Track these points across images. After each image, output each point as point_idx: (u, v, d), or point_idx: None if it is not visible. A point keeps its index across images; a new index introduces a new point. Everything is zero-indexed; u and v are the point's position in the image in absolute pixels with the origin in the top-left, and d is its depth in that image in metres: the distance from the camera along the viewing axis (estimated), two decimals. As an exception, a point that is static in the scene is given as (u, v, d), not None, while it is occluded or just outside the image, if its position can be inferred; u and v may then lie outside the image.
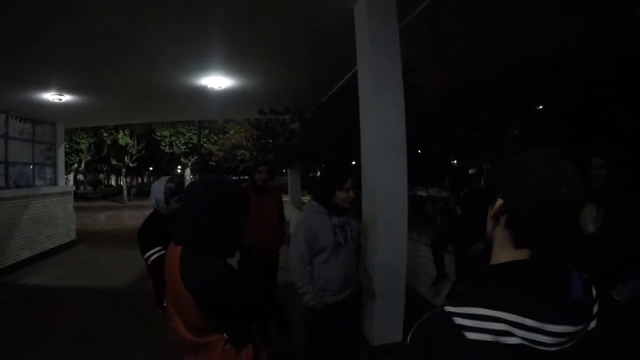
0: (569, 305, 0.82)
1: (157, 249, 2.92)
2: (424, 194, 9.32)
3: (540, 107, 16.88)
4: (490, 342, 0.78)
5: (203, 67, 6.53)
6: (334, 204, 3.06)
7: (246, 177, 5.08)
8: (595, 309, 0.85)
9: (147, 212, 3.20)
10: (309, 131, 8.47)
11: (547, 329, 0.77)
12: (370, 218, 4.03)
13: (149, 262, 2.95)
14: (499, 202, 0.93)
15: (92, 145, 28.79)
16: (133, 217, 18.88)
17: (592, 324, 0.83)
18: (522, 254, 0.90)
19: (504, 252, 0.92)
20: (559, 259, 0.90)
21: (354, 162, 7.78)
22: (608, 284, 2.96)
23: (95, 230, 14.88)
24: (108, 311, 5.68)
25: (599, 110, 10.86)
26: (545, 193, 0.85)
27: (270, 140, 9.73)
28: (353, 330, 3.39)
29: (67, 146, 19.98)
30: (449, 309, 0.85)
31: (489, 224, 0.98)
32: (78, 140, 27.56)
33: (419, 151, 8.89)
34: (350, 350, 3.39)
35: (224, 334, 1.73)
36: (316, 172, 11.85)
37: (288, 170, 11.98)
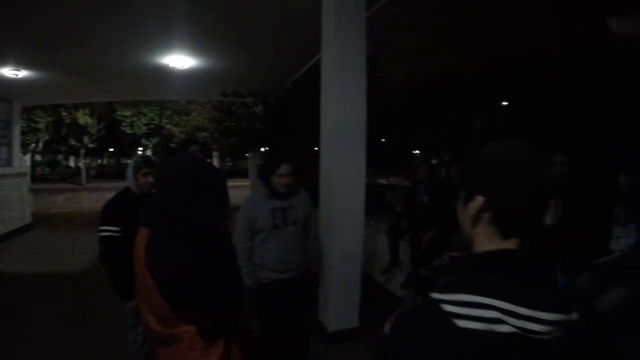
0: (558, 294, 0.82)
1: (114, 228, 2.92)
2: (384, 182, 9.44)
3: (505, 103, 17.29)
4: (482, 330, 0.75)
5: (166, 45, 6.35)
6: (274, 188, 3.19)
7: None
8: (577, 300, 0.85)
9: (107, 195, 3.15)
10: (272, 115, 8.40)
11: (539, 317, 0.76)
12: (328, 204, 4.05)
13: (99, 236, 2.94)
14: (480, 200, 0.89)
15: (51, 125, 27.78)
16: (91, 199, 18.37)
17: (574, 315, 0.82)
18: (510, 244, 0.88)
19: (490, 243, 0.90)
20: (542, 250, 0.88)
21: (316, 148, 7.80)
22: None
23: (52, 213, 14.42)
24: (65, 296, 5.52)
25: (560, 107, 11.21)
26: (530, 184, 0.85)
27: (233, 123, 9.62)
28: (299, 314, 3.46)
29: (24, 125, 19.21)
30: (436, 295, 0.81)
31: (467, 222, 0.94)
32: (36, 119, 26.45)
33: (382, 140, 8.98)
34: (297, 333, 3.48)
35: (193, 326, 1.61)
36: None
37: (249, 155, 11.87)
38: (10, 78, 7.70)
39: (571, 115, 10.81)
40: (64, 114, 26.85)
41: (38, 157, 39.23)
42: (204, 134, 24.25)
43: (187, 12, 5.04)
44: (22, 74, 7.61)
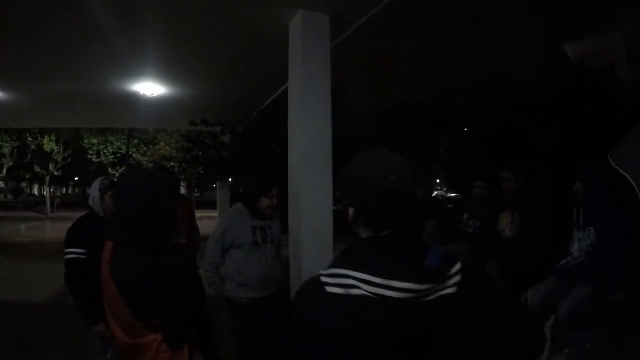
0: (416, 268, 1.01)
1: (80, 250, 2.90)
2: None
3: (465, 129, 17.67)
4: (342, 294, 1.02)
5: (136, 72, 6.35)
6: (258, 209, 3.40)
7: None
8: (456, 279, 1.04)
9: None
10: (240, 144, 8.44)
11: (392, 285, 0.97)
12: (297, 229, 4.09)
13: (65, 259, 2.94)
14: (352, 211, 1.18)
15: (16, 150, 27.12)
16: (56, 229, 17.71)
17: (450, 290, 1.03)
18: (382, 234, 1.14)
19: (366, 235, 1.17)
20: (416, 236, 1.18)
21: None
22: (528, 283, 3.35)
23: (15, 241, 14.11)
24: (31, 325, 5.37)
25: (515, 132, 11.53)
26: (380, 190, 1.11)
27: (201, 153, 9.60)
28: (276, 335, 3.51)
29: (-12, 149, 18.79)
30: (321, 271, 1.10)
31: (353, 226, 1.21)
32: (0, 143, 25.89)
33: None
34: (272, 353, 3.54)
35: (159, 334, 1.66)
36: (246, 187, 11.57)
37: (217, 185, 11.79)
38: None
39: (524, 136, 11.14)
40: (29, 139, 26.22)
41: (1, 184, 38.09)
42: (172, 163, 24.01)
43: (157, 39, 5.07)
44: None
